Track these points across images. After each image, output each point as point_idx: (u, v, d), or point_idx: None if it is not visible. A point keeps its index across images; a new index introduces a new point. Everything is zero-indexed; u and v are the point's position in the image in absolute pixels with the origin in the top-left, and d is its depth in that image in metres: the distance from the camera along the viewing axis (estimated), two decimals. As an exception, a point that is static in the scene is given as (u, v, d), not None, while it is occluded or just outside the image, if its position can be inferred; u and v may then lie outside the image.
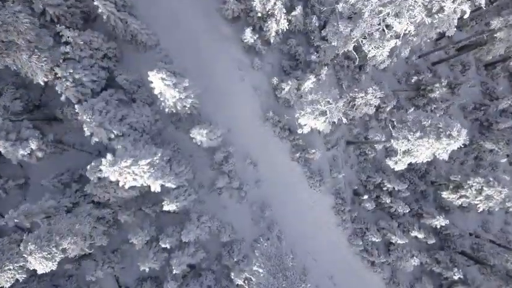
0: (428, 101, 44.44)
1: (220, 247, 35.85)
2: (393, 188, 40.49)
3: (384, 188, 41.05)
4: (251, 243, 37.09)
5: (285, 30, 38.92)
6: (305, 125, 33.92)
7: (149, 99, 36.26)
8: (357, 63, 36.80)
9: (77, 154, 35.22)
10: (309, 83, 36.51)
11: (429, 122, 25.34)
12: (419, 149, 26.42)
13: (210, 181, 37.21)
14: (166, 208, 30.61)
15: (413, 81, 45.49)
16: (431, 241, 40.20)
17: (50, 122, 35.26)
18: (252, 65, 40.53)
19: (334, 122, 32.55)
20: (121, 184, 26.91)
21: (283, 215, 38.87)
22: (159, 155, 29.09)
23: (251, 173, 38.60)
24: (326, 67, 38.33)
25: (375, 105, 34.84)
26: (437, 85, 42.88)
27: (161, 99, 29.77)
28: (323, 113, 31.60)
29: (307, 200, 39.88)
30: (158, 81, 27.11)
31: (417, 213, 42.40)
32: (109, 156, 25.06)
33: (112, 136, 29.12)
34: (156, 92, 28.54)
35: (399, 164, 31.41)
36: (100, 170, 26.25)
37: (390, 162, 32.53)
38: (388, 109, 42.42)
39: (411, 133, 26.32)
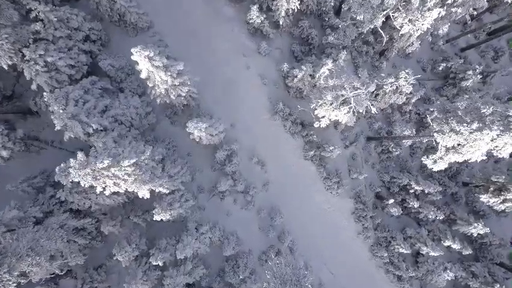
0: (458, 90, 37.97)
1: (223, 261, 29.84)
2: (422, 190, 34.12)
3: (411, 191, 34.69)
4: (259, 256, 31.05)
5: (295, 10, 32.74)
6: (323, 117, 27.78)
7: (140, 89, 30.40)
8: (383, 42, 30.45)
9: (56, 153, 29.42)
10: (325, 69, 30.28)
11: (491, 109, 19.06)
12: (475, 144, 20.16)
13: (211, 184, 31.23)
14: (157, 218, 24.62)
15: (440, 68, 39.05)
16: (467, 252, 33.81)
17: (25, 115, 29.50)
18: (259, 50, 34.47)
19: (359, 113, 26.38)
20: (98, 190, 21.01)
21: (295, 223, 32.76)
22: (148, 153, 23.19)
23: (258, 174, 32.56)
24: (344, 51, 32.04)
25: (406, 93, 28.53)
26: (470, 72, 36.38)
27: (150, 85, 23.80)
28: (346, 102, 25.47)
29: (323, 205, 33.72)
30: (144, 62, 21.13)
31: (449, 218, 36.01)
32: (79, 155, 19.16)
33: (91, 131, 23.17)
34: (143, 75, 22.56)
35: (439, 164, 25.23)
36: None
37: (427, 162, 26.33)
38: (413, 100, 35.98)
39: (465, 124, 20.02)
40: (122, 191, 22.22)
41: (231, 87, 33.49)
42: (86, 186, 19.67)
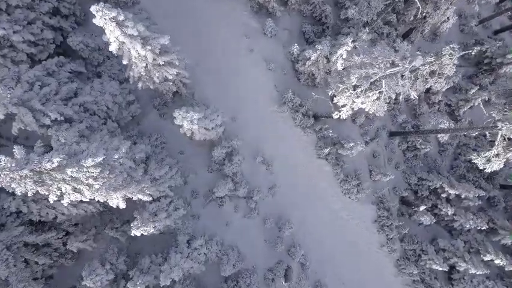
0: (495, 77, 31.66)
1: (222, 282, 23.90)
2: (457, 194, 27.91)
3: (443, 195, 28.49)
4: (265, 275, 25.09)
5: (307, -16, 26.83)
6: (344, 106, 21.74)
7: (122, 74, 24.58)
8: (418, 14, 24.32)
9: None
10: (343, 51, 24.29)
11: None
12: None
13: (207, 187, 25.35)
14: (135, 233, 18.76)
15: (473, 53, 32.69)
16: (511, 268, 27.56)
17: (-16, 106, 23.77)
18: (264, 31, 28.55)
19: (393, 100, 20.36)
20: (51, 199, 15.24)
21: (307, 233, 26.79)
22: (123, 150, 17.38)
23: (263, 176, 26.63)
24: (366, 29, 25.95)
25: (447, 76, 22.42)
26: (511, 56, 30.04)
27: (125, 62, 17.90)
28: (375, 86, 19.44)
29: (340, 212, 27.71)
30: (111, 27, 15.29)
31: (488, 227, 29.70)
32: (16, 150, 13.37)
33: (47, 122, 17.37)
34: (113, 48, 16.68)
35: (494, 163, 19.09)
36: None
37: (477, 160, 20.36)
38: (445, 89, 29.73)
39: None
40: (87, 199, 16.42)
41: (232, 74, 27.59)
42: (28, 193, 13.87)
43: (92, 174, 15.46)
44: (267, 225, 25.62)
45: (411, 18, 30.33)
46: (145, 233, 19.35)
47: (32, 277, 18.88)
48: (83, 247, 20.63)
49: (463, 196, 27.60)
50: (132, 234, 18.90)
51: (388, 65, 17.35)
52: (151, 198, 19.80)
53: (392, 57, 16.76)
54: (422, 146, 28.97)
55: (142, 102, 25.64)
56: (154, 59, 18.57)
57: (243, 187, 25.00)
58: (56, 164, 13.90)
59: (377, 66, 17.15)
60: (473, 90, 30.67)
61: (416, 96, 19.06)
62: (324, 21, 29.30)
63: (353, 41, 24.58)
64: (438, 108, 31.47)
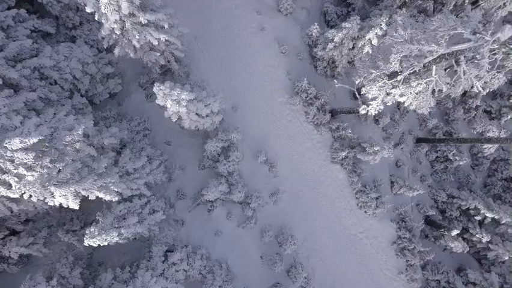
0: (545, 84, 26.22)
1: (204, 306, 18.76)
2: (495, 219, 22.58)
3: (477, 218, 23.15)
4: (258, 299, 19.89)
5: (333, -46, 21.64)
6: (374, 99, 16.52)
7: (102, 42, 19.54)
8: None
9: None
10: (372, 35, 19.27)
11: None
12: None
13: (196, 188, 20.27)
14: (90, 243, 13.69)
15: (519, 54, 27.16)
16: (555, 312, 22.17)
17: None
18: (279, 7, 23.45)
19: (437, 93, 15.20)
20: (-43, 192, 10.20)
21: (312, 252, 21.57)
22: (80, 132, 12.37)
23: (265, 179, 21.50)
24: (404, 9, 20.78)
25: (509, 70, 17.07)
26: None
27: (89, 9, 12.82)
28: (421, 74, 14.26)
29: (352, 229, 22.46)
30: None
31: (525, 260, 24.35)
32: None
33: (-22, 85, 12.38)
34: (69, -14, 11.51)
35: None
36: None
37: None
38: (485, 93, 24.26)
39: None
40: (17, 196, 11.40)
41: (237, 55, 22.50)
42: None
43: (22, 160, 10.44)
44: (265, 239, 20.43)
45: (451, 8, 25.08)
46: (105, 243, 14.28)
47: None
48: (28, 253, 15.62)
49: (503, 221, 22.23)
50: (86, 244, 13.82)
51: (459, 39, 12.15)
52: (118, 198, 14.73)
53: (460, 29, 11.50)
54: (457, 158, 23.60)
55: (126, 79, 20.74)
56: (132, 14, 13.49)
57: (239, 190, 19.80)
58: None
59: (436, 41, 11.89)
60: (519, 97, 25.29)
61: (481, 89, 13.79)
62: (350, 2, 24.10)
63: (387, 24, 19.44)
64: (475, 114, 26.09)
